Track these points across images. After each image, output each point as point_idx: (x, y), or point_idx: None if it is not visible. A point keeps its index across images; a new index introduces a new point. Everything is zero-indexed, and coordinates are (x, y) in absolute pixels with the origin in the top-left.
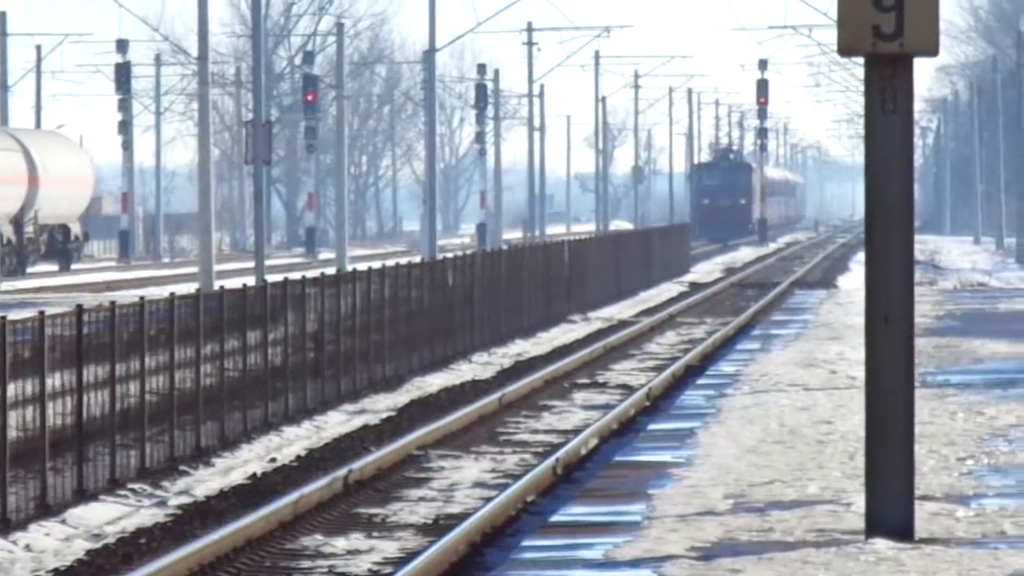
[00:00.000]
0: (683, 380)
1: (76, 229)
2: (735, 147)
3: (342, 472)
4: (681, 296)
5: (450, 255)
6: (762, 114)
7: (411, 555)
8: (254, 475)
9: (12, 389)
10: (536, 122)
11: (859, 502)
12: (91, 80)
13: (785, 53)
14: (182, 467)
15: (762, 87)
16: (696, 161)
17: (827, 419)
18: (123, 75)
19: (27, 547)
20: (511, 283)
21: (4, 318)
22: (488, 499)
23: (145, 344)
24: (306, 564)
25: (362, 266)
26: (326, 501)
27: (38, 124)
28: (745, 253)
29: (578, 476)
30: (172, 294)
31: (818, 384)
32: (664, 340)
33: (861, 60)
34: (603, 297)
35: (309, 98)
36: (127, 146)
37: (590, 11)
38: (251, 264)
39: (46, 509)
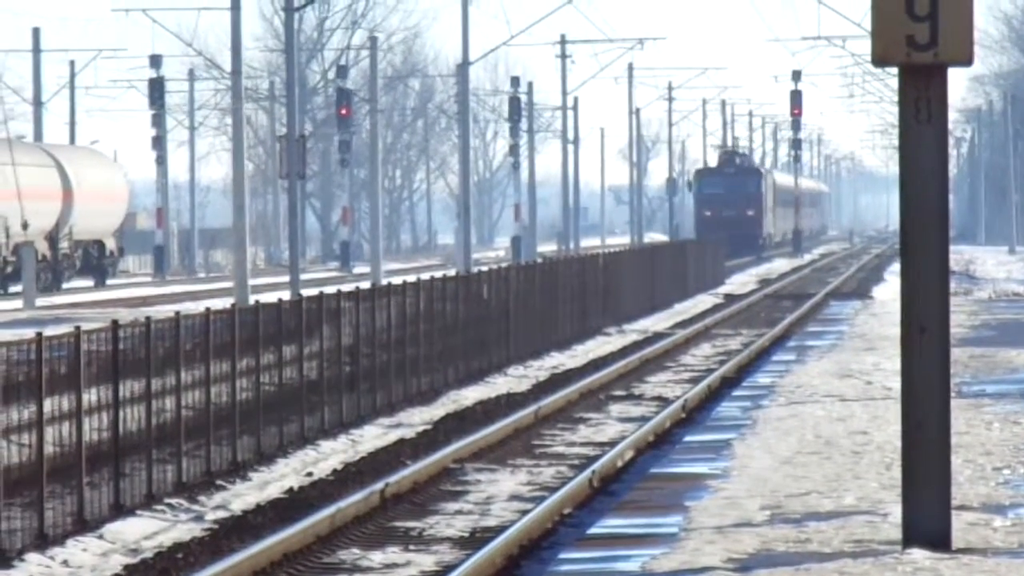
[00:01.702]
0: (719, 392)
1: (111, 244)
2: (743, 149)
3: (379, 486)
4: (716, 308)
5: (485, 268)
6: (796, 125)
7: (448, 568)
8: (291, 489)
9: (49, 405)
10: (570, 135)
11: (896, 512)
12: (125, 95)
13: (819, 64)
14: (219, 481)
15: (796, 98)
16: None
17: (863, 430)
18: (157, 90)
19: (64, 563)
20: (546, 296)
21: (40, 334)
22: (525, 512)
23: (181, 359)
24: None
25: (397, 280)
26: (363, 515)
27: (72, 140)
28: (780, 265)
29: (615, 488)
30: (207, 309)
31: (854, 395)
32: (699, 352)
33: (895, 70)
34: (638, 309)
35: (343, 112)
36: (161, 161)
37: (623, 24)
38: (286, 278)
39: (83, 524)
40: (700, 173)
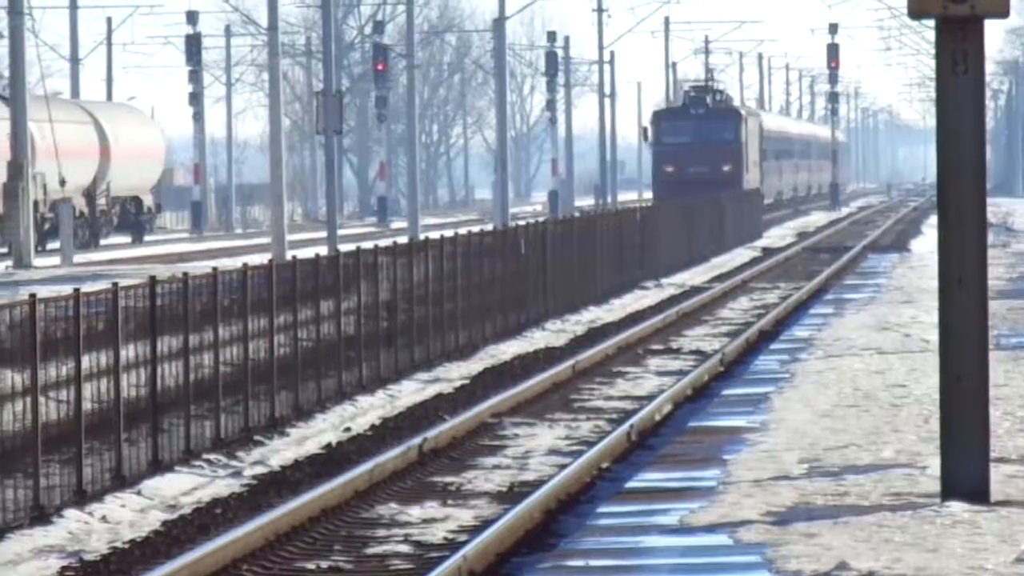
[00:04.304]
0: (757, 345)
1: (148, 201)
2: (719, 86)
3: (417, 440)
4: (754, 261)
5: (522, 223)
6: (833, 78)
7: (486, 523)
8: (329, 444)
9: (87, 361)
10: (607, 89)
11: (934, 465)
12: (162, 52)
13: (855, 17)
14: (257, 437)
15: (832, 51)
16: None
17: (901, 383)
18: (193, 46)
19: (103, 518)
20: (583, 250)
21: (78, 290)
22: (563, 466)
23: (218, 315)
24: (382, 533)
25: (434, 235)
26: (401, 470)
27: (109, 96)
28: (817, 218)
29: (653, 442)
30: (245, 265)
31: (892, 348)
32: (737, 305)
33: (932, 23)
34: (675, 263)
35: (379, 67)
36: (198, 117)
37: None
38: (323, 234)
39: (122, 480)
40: (658, 116)
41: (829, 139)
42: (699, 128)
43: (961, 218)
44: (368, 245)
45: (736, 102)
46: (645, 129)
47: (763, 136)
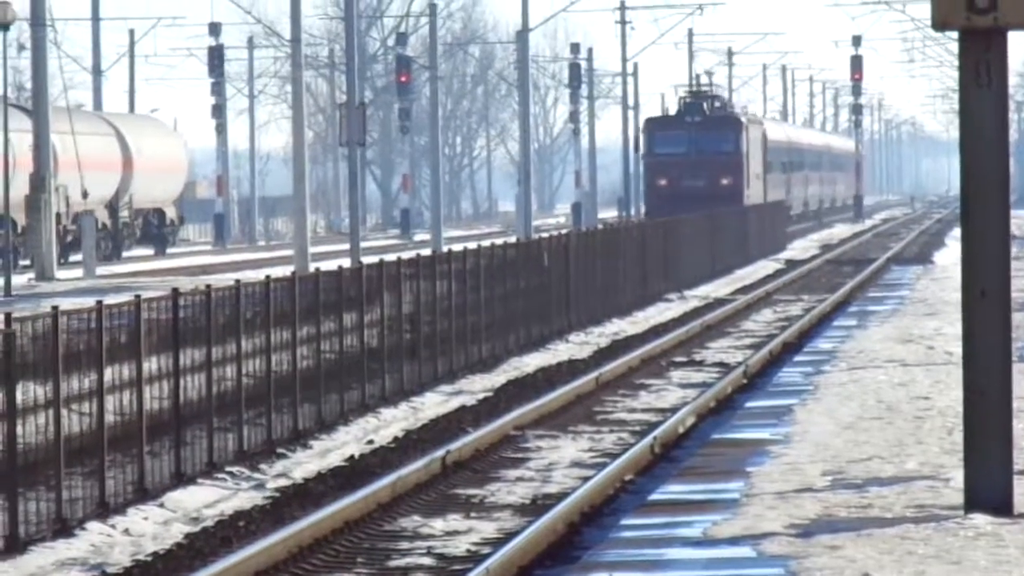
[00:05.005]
0: (780, 357)
1: (171, 213)
2: (717, 91)
3: (440, 453)
4: (777, 273)
5: (545, 235)
6: (856, 90)
7: (509, 535)
8: (352, 457)
9: (109, 373)
10: (630, 100)
11: (958, 477)
12: (184, 64)
13: (879, 29)
14: (280, 449)
15: (856, 63)
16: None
17: (925, 395)
18: (216, 58)
19: (126, 531)
20: (607, 262)
21: (100, 303)
22: (586, 478)
23: (241, 327)
24: (404, 545)
25: (457, 247)
26: (424, 482)
27: (132, 108)
28: (841, 230)
29: (676, 454)
30: (268, 277)
31: (915, 360)
32: (761, 318)
33: (955, 34)
34: (699, 275)
35: (403, 79)
36: (221, 129)
37: None
38: (346, 246)
39: (144, 493)
40: (650, 125)
41: (845, 149)
42: (695, 138)
43: (985, 230)
44: (391, 257)
45: (749, 111)
46: (636, 139)
47: (767, 146)
